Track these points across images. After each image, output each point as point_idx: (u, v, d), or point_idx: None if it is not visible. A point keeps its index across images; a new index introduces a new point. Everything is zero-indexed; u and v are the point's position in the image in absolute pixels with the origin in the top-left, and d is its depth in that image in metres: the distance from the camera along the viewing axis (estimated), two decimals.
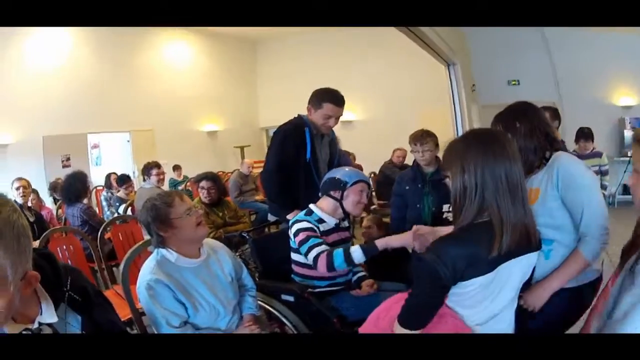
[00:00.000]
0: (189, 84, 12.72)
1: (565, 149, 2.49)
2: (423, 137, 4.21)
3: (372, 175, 9.32)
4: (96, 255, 4.46)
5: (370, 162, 9.35)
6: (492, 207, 1.79)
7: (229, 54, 14.15)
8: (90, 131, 10.85)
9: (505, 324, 1.97)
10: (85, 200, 5.83)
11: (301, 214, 3.27)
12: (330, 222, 3.24)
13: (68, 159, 10.39)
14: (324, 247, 3.01)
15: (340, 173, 3.28)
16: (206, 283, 2.64)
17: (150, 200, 2.59)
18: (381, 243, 2.83)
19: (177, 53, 12.71)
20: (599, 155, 6.21)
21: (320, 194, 3.32)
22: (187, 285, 2.56)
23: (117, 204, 7.57)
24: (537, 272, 2.25)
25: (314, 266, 3.00)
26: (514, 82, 11.59)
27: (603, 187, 5.93)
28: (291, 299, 3.18)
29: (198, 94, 12.96)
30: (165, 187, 10.12)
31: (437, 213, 4.12)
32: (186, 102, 12.57)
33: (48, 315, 1.45)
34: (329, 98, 3.86)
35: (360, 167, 10.03)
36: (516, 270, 1.89)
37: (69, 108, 9.99)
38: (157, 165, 6.62)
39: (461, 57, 9.65)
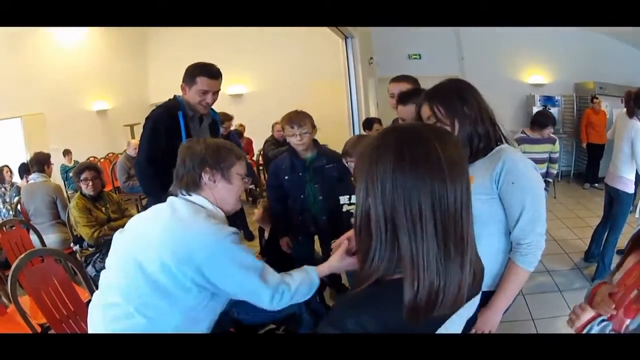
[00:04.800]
0: (77, 61, 12.42)
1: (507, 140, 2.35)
2: (300, 118, 3.88)
3: (262, 152, 9.41)
4: None
5: (263, 136, 9.41)
6: (404, 254, 1.23)
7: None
8: None
9: None
10: None
11: None
12: None
13: None
14: None
15: None
16: None
17: (221, 141, 2.53)
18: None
19: (63, 29, 12.15)
20: (552, 141, 6.06)
21: None
22: None
23: (14, 194, 7.52)
24: None
25: None
26: (415, 56, 12.06)
27: (550, 174, 6.12)
28: None
29: (87, 72, 12.66)
30: (57, 175, 10.19)
31: (330, 203, 3.94)
32: (75, 81, 12.30)
33: None
34: (202, 71, 3.71)
35: (250, 142, 10.17)
36: (452, 326, 1.38)
37: None
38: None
39: (360, 30, 9.82)
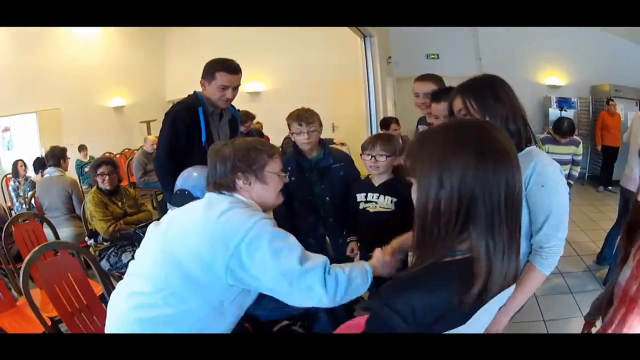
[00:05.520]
0: (94, 57, 12.43)
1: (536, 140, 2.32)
2: (309, 115, 3.74)
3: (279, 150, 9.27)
4: (1, 256, 4.42)
5: (280, 134, 9.13)
6: (477, 241, 1.32)
7: None
8: None
9: None
10: None
11: None
12: None
13: None
14: None
15: (181, 182, 3.08)
16: None
17: (251, 141, 2.44)
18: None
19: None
20: (576, 143, 6.14)
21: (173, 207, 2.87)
22: None
23: (28, 188, 7.56)
24: None
25: None
26: (432, 56, 12.08)
27: (572, 176, 6.19)
28: None
29: (103, 68, 12.67)
30: (72, 169, 10.15)
31: (337, 203, 3.88)
32: (92, 77, 12.29)
33: None
34: (222, 66, 3.71)
35: (267, 140, 10.18)
36: (492, 306, 1.46)
37: None
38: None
39: (379, 29, 9.83)
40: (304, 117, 3.71)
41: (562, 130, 6.04)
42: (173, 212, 2.42)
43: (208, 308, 2.14)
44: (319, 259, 2.14)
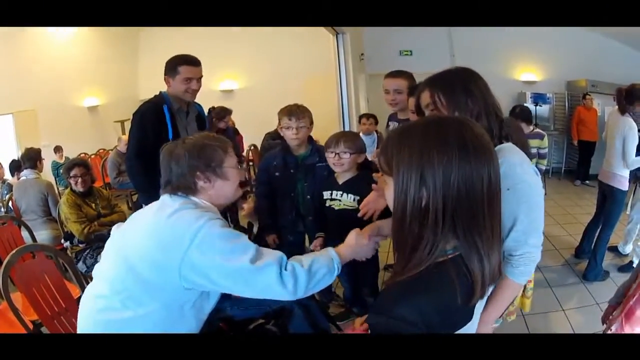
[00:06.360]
0: (68, 57, 12.26)
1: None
2: (300, 111, 3.83)
3: (252, 147, 9.36)
4: None
5: (254, 131, 9.35)
6: (465, 239, 1.30)
7: None
8: None
9: None
10: None
11: None
12: None
13: None
14: None
15: None
16: None
17: (201, 138, 2.40)
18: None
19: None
20: (540, 137, 5.99)
21: None
22: None
23: (5, 191, 7.51)
24: None
25: None
26: (406, 53, 12.14)
27: (539, 170, 5.65)
28: None
29: (78, 68, 12.49)
30: (49, 171, 10.07)
31: (316, 202, 3.87)
32: (66, 77, 12.11)
33: None
34: (183, 60, 3.84)
35: (241, 138, 9.87)
36: (483, 300, 1.53)
37: None
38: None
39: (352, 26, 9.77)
40: (294, 112, 3.80)
41: (514, 115, 6.02)
42: (133, 215, 2.44)
43: (167, 311, 2.14)
44: (273, 256, 2.11)
